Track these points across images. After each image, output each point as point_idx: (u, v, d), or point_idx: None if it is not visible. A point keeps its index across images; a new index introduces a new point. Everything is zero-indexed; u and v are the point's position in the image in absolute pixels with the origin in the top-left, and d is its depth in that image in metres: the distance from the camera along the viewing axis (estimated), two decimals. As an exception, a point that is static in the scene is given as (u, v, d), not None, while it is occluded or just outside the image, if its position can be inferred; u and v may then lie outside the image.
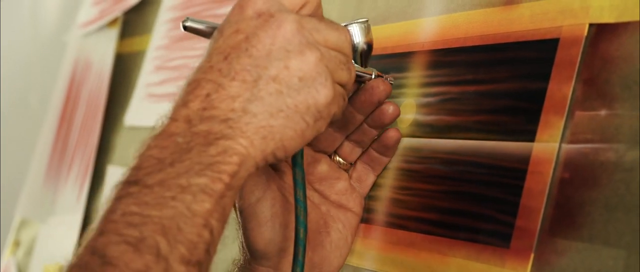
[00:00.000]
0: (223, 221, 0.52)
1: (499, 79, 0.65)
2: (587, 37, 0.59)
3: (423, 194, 0.69)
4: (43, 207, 1.51)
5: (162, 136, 0.54)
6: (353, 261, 0.73)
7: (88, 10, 1.58)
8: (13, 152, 1.91)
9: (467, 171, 0.65)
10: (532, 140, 0.60)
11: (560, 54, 0.60)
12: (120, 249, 0.48)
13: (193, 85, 0.56)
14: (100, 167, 1.36)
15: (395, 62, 0.75)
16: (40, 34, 1.94)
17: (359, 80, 0.68)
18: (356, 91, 0.69)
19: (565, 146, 0.58)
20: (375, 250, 0.71)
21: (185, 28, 0.62)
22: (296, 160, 0.64)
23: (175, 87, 1.20)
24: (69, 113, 1.53)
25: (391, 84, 0.69)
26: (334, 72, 0.59)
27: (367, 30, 0.67)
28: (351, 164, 0.73)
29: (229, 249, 0.79)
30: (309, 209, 0.69)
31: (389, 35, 0.77)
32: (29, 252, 1.53)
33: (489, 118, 0.65)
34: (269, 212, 0.67)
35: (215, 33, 0.59)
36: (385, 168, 0.73)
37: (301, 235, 0.63)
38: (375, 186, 0.73)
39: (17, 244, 1.59)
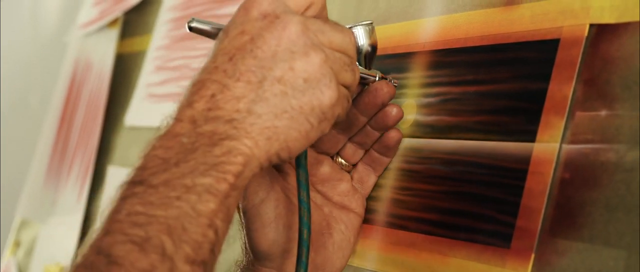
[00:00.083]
0: (227, 221, 0.53)
1: (500, 79, 0.65)
2: (587, 38, 0.59)
3: (423, 195, 0.69)
4: (43, 208, 1.51)
5: (167, 136, 0.54)
6: (354, 261, 0.73)
7: (88, 10, 1.58)
8: (13, 153, 1.91)
9: (467, 171, 0.65)
10: (532, 140, 0.60)
11: (560, 55, 0.60)
12: (126, 249, 0.48)
13: (198, 86, 0.56)
14: (101, 168, 1.36)
15: (396, 62, 0.75)
16: (41, 35, 1.94)
17: (363, 82, 0.68)
18: (360, 93, 0.69)
19: (565, 146, 0.58)
20: (376, 250, 0.71)
21: (190, 29, 0.62)
22: (300, 161, 0.64)
23: (176, 88, 1.20)
24: (69, 113, 1.53)
25: (395, 86, 0.69)
26: (339, 74, 0.59)
27: (371, 32, 0.67)
28: (353, 165, 0.73)
29: (232, 249, 0.79)
30: (312, 210, 0.69)
31: (390, 36, 0.77)
32: (29, 252, 1.53)
33: (490, 118, 0.65)
34: (272, 213, 0.67)
35: (221, 34, 0.59)
36: (386, 169, 0.73)
37: (305, 236, 0.63)
38: (375, 186, 0.73)
39: (17, 244, 1.59)
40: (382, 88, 0.68)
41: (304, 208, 0.64)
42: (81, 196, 1.37)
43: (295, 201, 0.68)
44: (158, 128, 0.56)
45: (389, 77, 0.70)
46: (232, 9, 1.14)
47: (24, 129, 1.90)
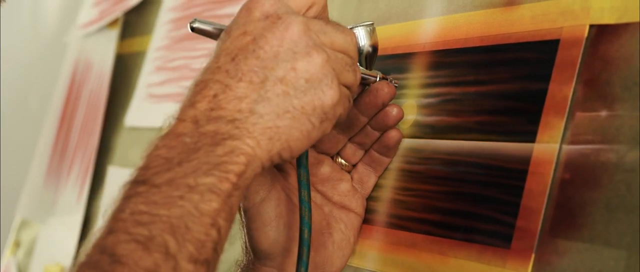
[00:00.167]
0: (230, 220, 0.53)
1: (500, 80, 0.65)
2: (587, 38, 0.59)
3: (424, 195, 0.69)
4: (43, 208, 1.51)
5: (170, 135, 0.54)
6: (354, 261, 0.73)
7: (88, 11, 1.58)
8: (13, 153, 1.91)
9: (467, 172, 0.65)
10: (532, 141, 0.60)
11: (560, 55, 0.60)
12: (130, 248, 0.48)
13: (200, 86, 0.56)
14: (101, 168, 1.36)
15: (396, 62, 0.76)
16: (41, 35, 1.94)
17: (364, 83, 0.68)
18: (360, 93, 0.69)
19: (565, 147, 0.58)
20: (376, 251, 0.71)
21: (192, 29, 0.62)
22: (301, 161, 0.65)
23: (176, 88, 1.20)
24: (69, 114, 1.53)
25: (396, 86, 0.69)
26: (340, 74, 0.59)
27: (372, 33, 0.67)
28: (353, 165, 0.74)
29: (233, 248, 0.79)
30: (312, 209, 0.69)
31: (390, 36, 0.77)
32: (29, 252, 1.53)
33: (490, 119, 0.65)
34: (273, 213, 0.67)
35: (223, 34, 0.59)
36: (386, 169, 0.73)
37: (306, 235, 0.63)
38: (376, 186, 0.74)
39: (17, 244, 1.59)
40: (382, 88, 0.68)
41: (304, 208, 0.64)
42: (81, 196, 1.37)
43: (295, 200, 0.68)
44: (160, 128, 0.56)
45: (390, 77, 0.70)
46: (232, 9, 1.14)
47: (24, 129, 1.90)
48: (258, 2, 0.59)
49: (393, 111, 0.69)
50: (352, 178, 0.73)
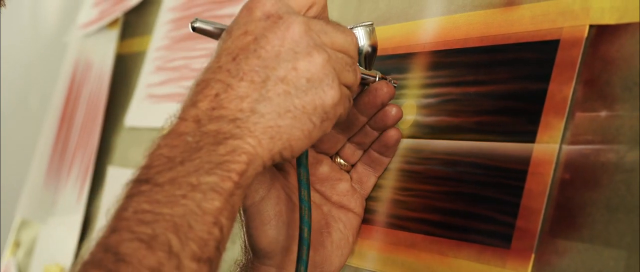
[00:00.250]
0: (232, 219, 0.53)
1: (500, 80, 0.65)
2: (587, 39, 0.59)
3: (424, 195, 0.69)
4: (43, 208, 1.51)
5: (172, 135, 0.55)
6: (354, 261, 0.73)
7: (88, 11, 1.58)
8: (13, 153, 1.91)
9: (467, 172, 0.65)
10: (532, 141, 0.60)
11: (560, 55, 0.60)
12: (133, 246, 0.49)
13: (202, 86, 0.57)
14: (101, 168, 1.36)
15: (396, 63, 0.76)
16: (41, 35, 1.94)
17: (363, 83, 0.69)
18: (360, 93, 0.69)
19: (565, 147, 0.58)
20: (376, 251, 0.71)
21: (194, 29, 0.62)
22: (301, 160, 0.65)
23: (176, 88, 1.20)
24: (69, 114, 1.53)
25: (395, 86, 0.69)
26: (341, 74, 0.59)
27: (371, 33, 0.68)
28: (352, 165, 0.74)
29: (235, 247, 0.79)
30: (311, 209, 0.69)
31: (390, 36, 0.77)
32: (29, 252, 1.53)
33: (490, 119, 0.65)
34: (272, 211, 0.68)
35: (224, 34, 0.60)
36: (386, 169, 0.73)
37: (305, 234, 0.63)
38: (376, 187, 0.74)
39: (17, 244, 1.59)
40: (382, 88, 0.68)
41: (304, 207, 0.64)
42: (81, 196, 1.37)
43: (295, 199, 0.69)
44: (162, 127, 0.56)
45: (389, 77, 0.70)
46: (231, 9, 1.14)
47: (24, 129, 1.90)
48: (259, 2, 0.59)
49: (392, 111, 0.69)
50: (351, 178, 0.73)
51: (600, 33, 0.58)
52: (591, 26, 0.59)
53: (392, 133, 0.71)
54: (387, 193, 0.72)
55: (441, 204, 0.67)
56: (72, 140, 1.48)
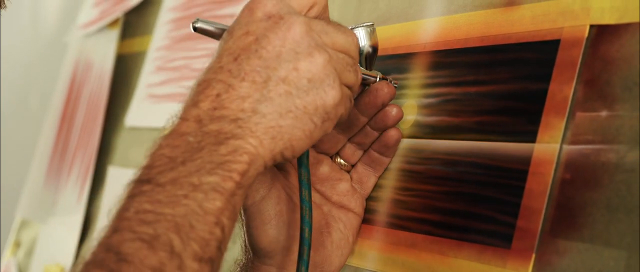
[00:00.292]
0: (233, 219, 0.54)
1: (500, 80, 0.65)
2: (588, 39, 0.59)
3: (424, 195, 0.69)
4: (43, 208, 1.51)
5: (173, 135, 0.55)
6: (354, 261, 0.73)
7: (88, 11, 1.58)
8: (13, 153, 1.91)
9: (468, 172, 0.65)
10: (533, 141, 0.60)
11: (561, 55, 0.60)
12: (135, 246, 0.49)
13: (203, 86, 0.57)
14: (101, 168, 1.36)
15: (397, 63, 0.76)
16: (41, 35, 1.94)
17: (364, 83, 0.69)
18: (360, 93, 0.69)
19: (566, 147, 0.58)
20: (376, 250, 0.71)
21: (195, 29, 0.63)
22: (302, 160, 0.65)
23: (176, 88, 1.20)
24: (69, 114, 1.53)
25: (395, 86, 0.69)
26: (342, 74, 0.60)
27: (372, 34, 0.68)
28: (352, 165, 0.74)
29: (235, 248, 0.79)
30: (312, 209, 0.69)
31: (390, 36, 0.77)
32: (30, 252, 1.52)
33: (490, 119, 0.65)
34: (273, 211, 0.68)
35: (225, 34, 0.60)
36: (386, 169, 0.73)
37: (306, 235, 0.64)
38: (376, 187, 0.74)
39: (17, 244, 1.59)
40: (382, 88, 0.68)
41: (305, 207, 0.64)
42: (81, 196, 1.37)
43: (295, 199, 0.69)
44: (163, 127, 0.56)
45: (390, 77, 0.70)
46: (232, 9, 1.14)
47: (24, 129, 1.90)
48: (260, 3, 0.59)
49: (392, 111, 0.69)
50: (351, 178, 0.74)
51: (601, 33, 0.58)
52: (591, 26, 0.59)
53: (392, 133, 0.71)
54: (387, 193, 0.72)
55: (442, 204, 0.67)
56: (72, 140, 1.48)
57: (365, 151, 0.73)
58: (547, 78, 0.60)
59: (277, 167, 0.70)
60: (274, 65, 0.57)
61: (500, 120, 0.64)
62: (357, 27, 0.67)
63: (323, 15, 0.63)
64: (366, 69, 0.69)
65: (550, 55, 0.61)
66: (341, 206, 0.72)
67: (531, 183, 0.59)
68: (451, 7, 0.72)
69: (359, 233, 0.73)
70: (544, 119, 0.60)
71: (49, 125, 1.60)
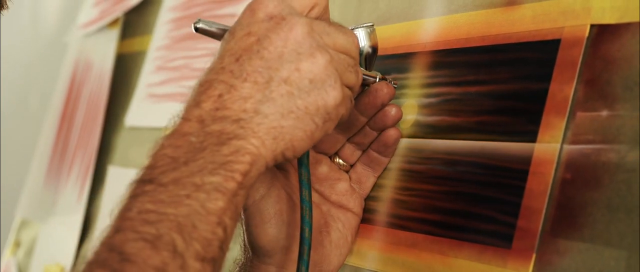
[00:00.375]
0: (235, 219, 0.54)
1: (501, 79, 0.65)
2: (588, 38, 0.59)
3: (424, 195, 0.69)
4: (43, 208, 1.51)
5: (176, 135, 0.55)
6: (355, 261, 0.73)
7: (88, 11, 1.58)
8: (13, 153, 1.91)
9: (468, 172, 0.65)
10: (533, 141, 0.60)
11: (561, 55, 0.60)
12: (138, 246, 0.49)
13: (205, 86, 0.57)
14: (101, 168, 1.36)
15: (397, 62, 0.76)
16: (41, 35, 1.94)
17: (364, 83, 0.69)
18: (360, 94, 0.70)
19: (566, 147, 0.58)
20: (377, 250, 0.71)
21: (196, 29, 0.63)
22: (302, 160, 0.65)
23: (176, 88, 1.20)
24: (69, 114, 1.53)
25: (395, 87, 0.70)
26: (343, 75, 0.60)
27: (372, 34, 0.68)
28: (351, 165, 0.74)
29: (236, 248, 0.79)
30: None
31: (390, 36, 0.77)
32: (30, 252, 1.52)
33: (491, 119, 0.65)
34: (273, 210, 0.68)
35: (227, 35, 0.60)
36: (385, 169, 0.73)
37: (306, 234, 0.64)
38: (376, 186, 0.74)
39: (17, 244, 1.59)
40: (382, 89, 0.69)
41: (305, 207, 0.64)
42: (81, 196, 1.37)
43: (295, 198, 0.69)
44: (165, 127, 0.57)
45: (389, 78, 0.70)
46: (231, 9, 1.14)
47: (24, 129, 1.90)
48: (262, 3, 0.59)
49: (392, 111, 0.70)
50: (350, 178, 0.74)
51: (601, 33, 0.58)
52: (592, 26, 0.59)
53: (391, 132, 0.71)
54: (388, 193, 0.72)
55: (442, 203, 0.67)
56: (72, 140, 1.48)
57: (364, 151, 0.73)
58: (547, 78, 0.60)
59: (277, 167, 0.70)
60: (275, 66, 0.57)
61: (500, 120, 0.64)
62: (357, 27, 0.67)
63: (324, 16, 0.63)
64: (366, 69, 0.69)
65: (550, 55, 0.61)
66: (340, 206, 0.72)
67: (532, 183, 0.59)
68: (451, 7, 0.72)
69: (357, 233, 0.73)
70: (544, 118, 0.60)
71: (48, 125, 1.60)
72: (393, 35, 0.77)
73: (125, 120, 1.34)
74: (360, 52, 0.67)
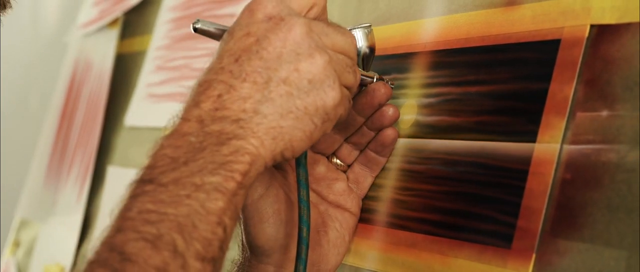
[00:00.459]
0: (235, 219, 0.54)
1: (501, 79, 0.65)
2: (588, 38, 0.59)
3: (424, 195, 0.69)
4: (43, 208, 1.51)
5: (175, 135, 0.55)
6: (354, 261, 0.73)
7: (88, 10, 1.58)
8: (13, 153, 1.91)
9: (468, 172, 0.65)
10: (533, 141, 0.60)
11: (561, 55, 0.60)
12: (139, 246, 0.49)
13: (204, 86, 0.57)
14: (101, 168, 1.36)
15: (397, 62, 0.76)
16: (41, 35, 1.94)
17: (361, 84, 0.69)
18: (357, 94, 0.70)
19: (566, 147, 0.58)
20: (377, 250, 0.71)
21: (195, 30, 0.63)
22: (300, 160, 0.65)
23: (176, 88, 1.20)
24: (69, 113, 1.53)
25: (392, 87, 0.70)
26: (341, 75, 0.60)
27: (369, 35, 0.68)
28: (349, 165, 0.74)
29: (236, 248, 0.79)
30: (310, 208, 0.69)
31: (390, 36, 0.77)
32: (29, 252, 1.52)
33: (491, 119, 0.65)
34: (271, 209, 0.68)
35: (226, 35, 0.60)
36: (384, 169, 0.73)
37: (304, 234, 0.64)
38: (376, 186, 0.74)
39: (17, 244, 1.59)
40: (379, 89, 0.69)
41: (303, 207, 0.64)
42: (81, 196, 1.37)
43: (293, 198, 0.69)
44: (164, 127, 0.57)
45: (387, 78, 0.70)
46: (231, 9, 1.14)
47: (24, 129, 1.90)
48: (261, 4, 0.59)
49: (389, 111, 0.70)
50: (348, 178, 0.74)
51: (601, 33, 0.58)
52: (592, 26, 0.59)
53: (389, 132, 0.71)
54: (387, 193, 0.72)
55: (442, 203, 0.67)
56: (72, 140, 1.48)
57: (361, 151, 0.73)
58: (547, 78, 0.60)
59: (275, 167, 0.70)
60: (274, 66, 0.57)
61: (500, 120, 0.64)
62: (355, 28, 0.68)
63: (322, 17, 0.63)
64: (363, 69, 0.69)
65: (550, 55, 0.61)
66: (337, 206, 0.73)
67: (531, 183, 0.59)
68: (451, 7, 0.72)
69: (355, 232, 0.73)
70: (544, 118, 0.60)
71: (48, 125, 1.60)
72: (393, 35, 0.77)
73: (125, 120, 1.34)
74: (358, 53, 0.67)
